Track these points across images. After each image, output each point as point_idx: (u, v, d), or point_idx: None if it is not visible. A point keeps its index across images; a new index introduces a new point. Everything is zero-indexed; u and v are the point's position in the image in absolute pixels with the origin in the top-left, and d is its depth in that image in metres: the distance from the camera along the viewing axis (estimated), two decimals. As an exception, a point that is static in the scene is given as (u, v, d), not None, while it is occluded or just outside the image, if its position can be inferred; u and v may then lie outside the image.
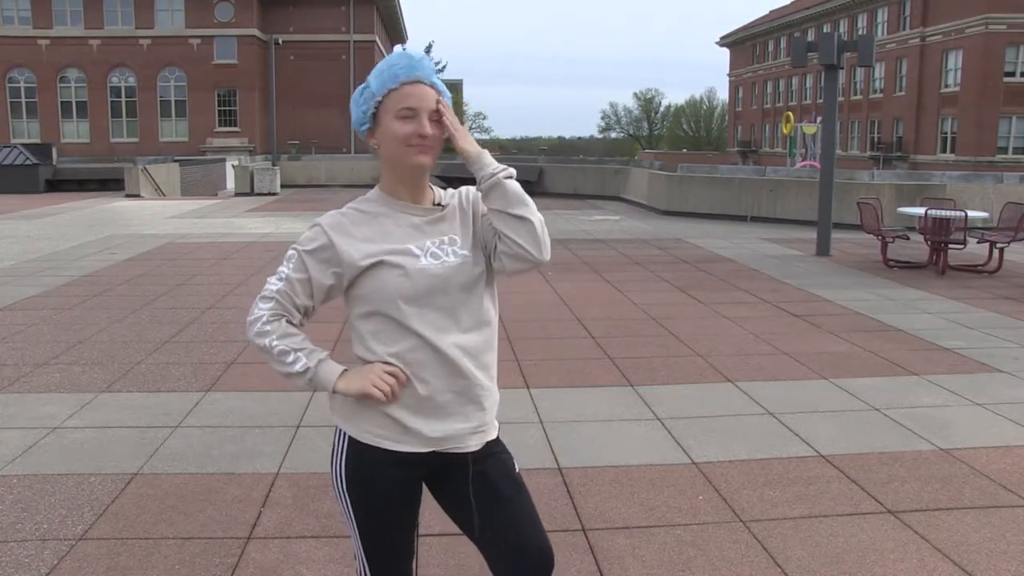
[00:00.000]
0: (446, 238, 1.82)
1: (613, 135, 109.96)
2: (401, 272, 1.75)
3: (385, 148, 1.78)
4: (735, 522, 3.41)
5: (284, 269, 1.79)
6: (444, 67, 58.64)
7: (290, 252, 1.80)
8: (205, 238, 13.33)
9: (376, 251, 1.75)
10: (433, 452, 1.83)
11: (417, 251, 1.77)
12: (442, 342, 1.77)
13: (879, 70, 47.35)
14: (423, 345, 1.77)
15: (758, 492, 3.71)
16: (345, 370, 1.80)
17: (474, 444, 1.86)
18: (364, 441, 1.82)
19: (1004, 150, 40.48)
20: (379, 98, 1.76)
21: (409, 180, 1.81)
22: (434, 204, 1.86)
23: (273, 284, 1.79)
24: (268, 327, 1.77)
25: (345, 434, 1.85)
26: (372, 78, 1.78)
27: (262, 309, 1.78)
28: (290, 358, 1.76)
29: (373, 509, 1.84)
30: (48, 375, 5.48)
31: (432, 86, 1.78)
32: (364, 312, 1.80)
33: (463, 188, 1.93)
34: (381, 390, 1.73)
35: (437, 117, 1.77)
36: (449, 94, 1.85)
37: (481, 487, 1.86)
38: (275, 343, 1.76)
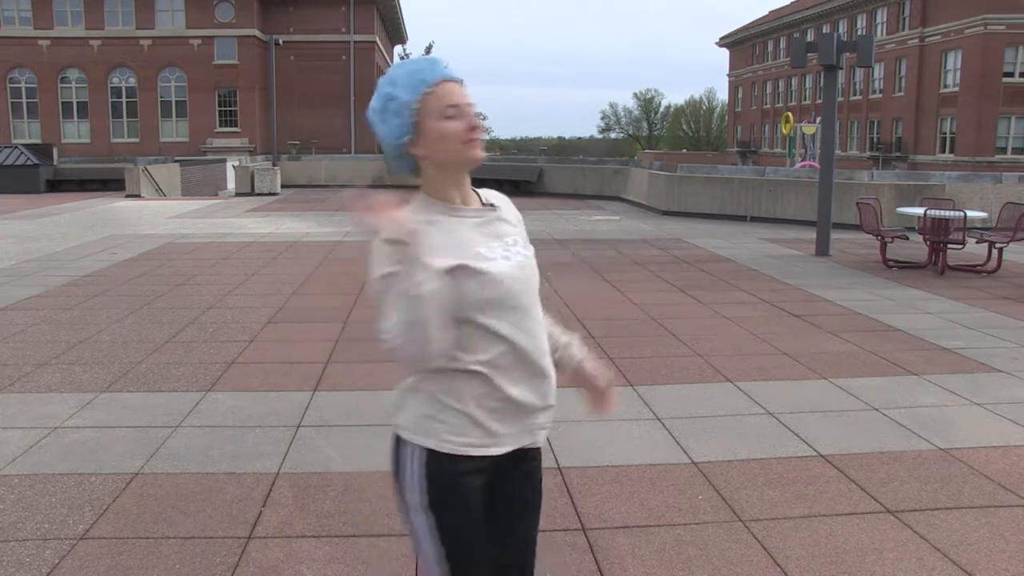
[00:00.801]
0: (509, 239, 1.80)
1: (613, 135, 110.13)
2: (481, 276, 1.69)
3: (437, 151, 1.73)
4: (735, 522, 3.42)
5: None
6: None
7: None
8: (205, 238, 13.34)
9: (451, 257, 1.68)
10: (512, 451, 1.80)
11: (490, 254, 1.74)
12: (527, 343, 1.74)
13: (878, 70, 47.38)
14: (511, 348, 1.73)
15: (758, 492, 3.71)
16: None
17: (541, 439, 1.87)
18: (450, 452, 1.73)
19: (1003, 150, 40.51)
20: (416, 105, 1.71)
21: (461, 180, 1.78)
22: (484, 204, 1.83)
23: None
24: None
25: (420, 450, 1.75)
26: (397, 88, 1.71)
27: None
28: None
29: (463, 524, 1.77)
30: (49, 375, 5.49)
31: (458, 81, 1.76)
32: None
33: (505, 201, 1.91)
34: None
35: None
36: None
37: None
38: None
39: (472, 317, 1.70)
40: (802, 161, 31.14)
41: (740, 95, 69.34)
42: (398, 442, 1.79)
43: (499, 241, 1.78)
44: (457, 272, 1.67)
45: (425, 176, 1.77)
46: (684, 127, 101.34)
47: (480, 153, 1.74)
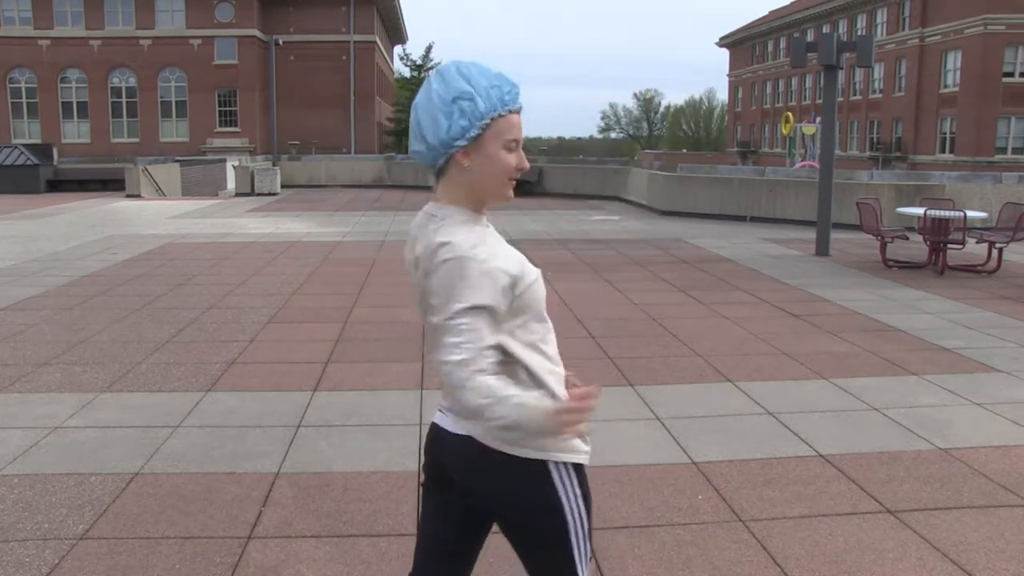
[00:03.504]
0: None
1: (613, 135, 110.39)
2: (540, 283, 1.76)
3: (483, 175, 1.68)
4: (735, 522, 3.42)
5: None
6: (444, 67, 58.29)
7: None
8: (205, 238, 13.34)
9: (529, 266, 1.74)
10: None
11: None
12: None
13: (878, 70, 47.37)
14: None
15: (757, 492, 3.71)
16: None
17: None
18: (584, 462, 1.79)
19: (1003, 150, 40.50)
20: (487, 120, 1.64)
21: (484, 207, 1.74)
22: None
23: None
24: None
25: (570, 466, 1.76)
26: (476, 94, 1.63)
27: None
28: None
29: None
30: (49, 375, 5.49)
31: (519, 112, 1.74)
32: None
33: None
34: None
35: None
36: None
37: None
38: None
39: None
40: (802, 161, 31.14)
41: (740, 95, 69.32)
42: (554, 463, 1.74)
43: None
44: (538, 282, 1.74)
45: (455, 183, 1.70)
46: (684, 127, 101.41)
47: (511, 194, 1.73)
